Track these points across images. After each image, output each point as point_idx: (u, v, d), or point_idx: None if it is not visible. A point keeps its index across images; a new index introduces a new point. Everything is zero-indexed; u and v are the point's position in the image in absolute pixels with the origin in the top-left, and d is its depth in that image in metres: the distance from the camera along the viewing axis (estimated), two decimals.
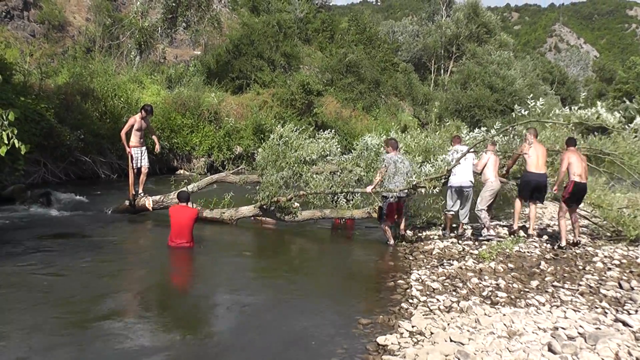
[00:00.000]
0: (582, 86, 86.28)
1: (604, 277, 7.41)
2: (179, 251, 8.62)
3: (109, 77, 19.29)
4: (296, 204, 10.48)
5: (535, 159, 9.61)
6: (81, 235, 9.49)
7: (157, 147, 12.10)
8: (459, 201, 10.21)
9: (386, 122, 32.28)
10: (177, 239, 8.64)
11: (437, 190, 9.86)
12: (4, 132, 6.96)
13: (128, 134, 11.24)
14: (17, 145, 6.87)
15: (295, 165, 10.45)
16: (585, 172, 9.28)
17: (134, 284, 7.44)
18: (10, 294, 6.34)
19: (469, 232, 10.68)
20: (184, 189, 10.39)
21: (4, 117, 7.01)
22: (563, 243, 9.16)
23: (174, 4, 24.76)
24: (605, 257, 8.50)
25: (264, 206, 10.42)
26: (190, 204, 9.20)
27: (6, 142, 6.95)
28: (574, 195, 9.15)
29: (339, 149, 11.75)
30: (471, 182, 10.08)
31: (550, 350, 4.96)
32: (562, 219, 9.32)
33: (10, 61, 14.52)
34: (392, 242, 9.72)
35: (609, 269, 7.78)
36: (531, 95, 17.08)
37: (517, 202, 10.10)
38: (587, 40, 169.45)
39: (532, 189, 9.69)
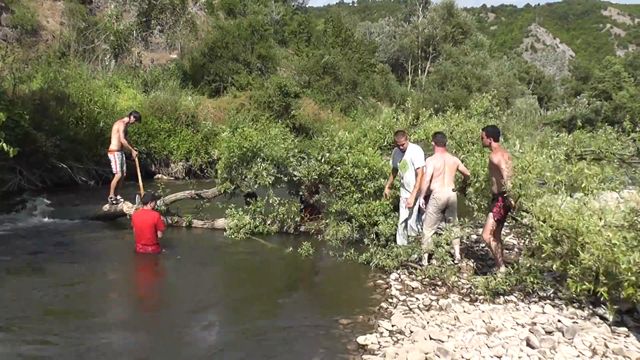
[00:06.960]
0: (559, 85, 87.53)
1: None
2: (149, 257, 8.52)
3: (84, 81, 19.06)
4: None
5: None
6: (58, 243, 9.39)
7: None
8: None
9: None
10: (140, 244, 8.58)
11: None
12: None
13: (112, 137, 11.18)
14: (5, 149, 6.84)
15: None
16: None
17: (109, 292, 7.39)
18: None
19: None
20: (152, 192, 10.11)
21: None
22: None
23: (147, 7, 24.54)
24: None
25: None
26: (150, 206, 8.93)
27: None
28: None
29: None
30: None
31: (529, 345, 5.01)
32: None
33: None
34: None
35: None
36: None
37: None
38: (562, 40, 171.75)
39: None
